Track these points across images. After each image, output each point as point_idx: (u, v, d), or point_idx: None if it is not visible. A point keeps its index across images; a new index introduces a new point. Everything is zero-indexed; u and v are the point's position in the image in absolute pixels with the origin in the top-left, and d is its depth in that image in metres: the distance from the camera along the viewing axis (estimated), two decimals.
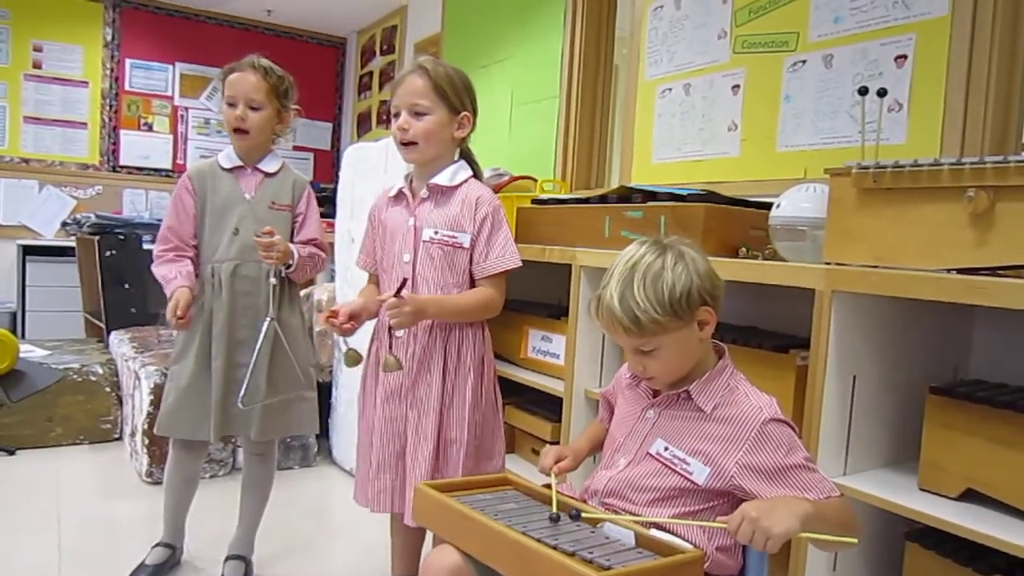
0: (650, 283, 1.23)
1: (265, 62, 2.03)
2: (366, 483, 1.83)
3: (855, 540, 1.08)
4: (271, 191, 2.08)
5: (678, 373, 1.31)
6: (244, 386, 1.96)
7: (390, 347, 1.76)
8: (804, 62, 2.28)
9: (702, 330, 1.28)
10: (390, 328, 1.71)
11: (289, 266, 1.99)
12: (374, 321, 1.90)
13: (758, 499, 1.16)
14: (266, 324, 1.98)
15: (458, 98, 1.77)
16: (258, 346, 1.97)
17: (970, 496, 1.39)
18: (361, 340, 1.90)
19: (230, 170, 2.06)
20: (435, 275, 1.78)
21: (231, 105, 2.00)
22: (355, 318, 1.78)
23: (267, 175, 2.08)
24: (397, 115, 1.77)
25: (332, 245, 3.31)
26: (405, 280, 1.66)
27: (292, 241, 2.06)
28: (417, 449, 1.76)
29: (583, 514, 1.22)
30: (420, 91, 1.74)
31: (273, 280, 1.99)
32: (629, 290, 1.23)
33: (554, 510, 1.25)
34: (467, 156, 1.88)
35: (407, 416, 1.78)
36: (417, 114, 1.75)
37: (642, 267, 1.25)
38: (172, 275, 1.98)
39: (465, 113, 1.79)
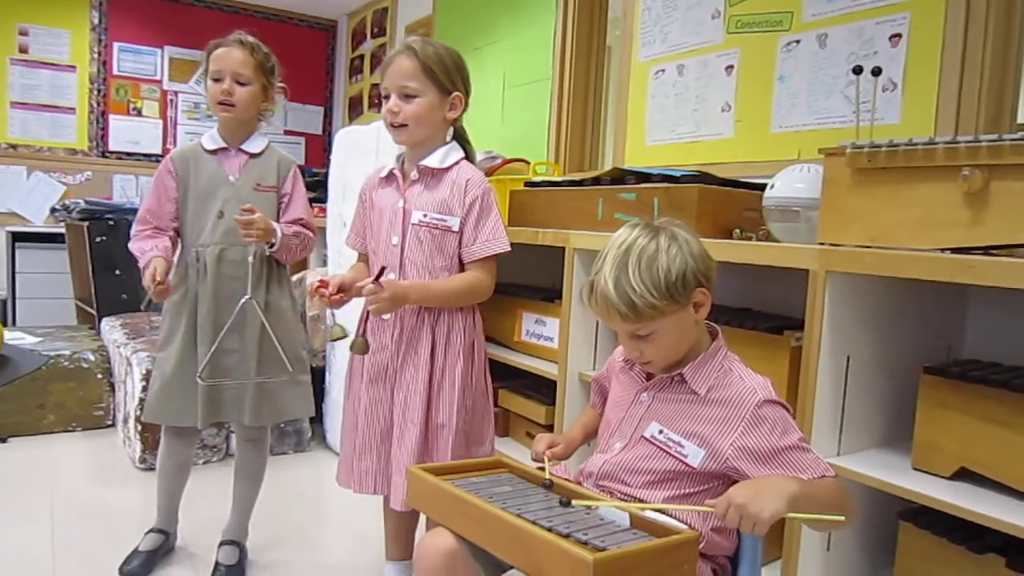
0: (645, 267, 1.21)
1: (251, 38, 2.00)
2: (350, 464, 1.83)
3: (841, 517, 1.08)
4: (256, 172, 2.04)
5: (674, 356, 1.30)
6: (204, 361, 1.94)
7: (364, 330, 1.75)
8: (798, 42, 2.26)
9: (697, 312, 1.27)
10: (369, 312, 1.70)
11: (272, 245, 1.97)
12: (362, 300, 1.88)
13: (744, 482, 1.15)
14: (242, 301, 1.95)
15: (448, 79, 1.74)
16: (229, 322, 1.94)
17: (963, 475, 1.39)
18: (351, 317, 1.89)
19: (214, 152, 2.03)
20: (424, 258, 1.76)
21: (217, 80, 1.96)
22: (345, 291, 1.74)
23: (252, 156, 2.04)
24: (387, 97, 1.75)
25: (324, 229, 3.29)
26: (384, 268, 1.64)
27: (279, 222, 2.04)
28: (403, 433, 1.75)
29: (573, 502, 1.22)
30: (409, 73, 1.71)
31: (251, 259, 1.95)
32: (624, 275, 1.21)
33: (547, 476, 1.25)
34: (460, 136, 1.85)
35: (393, 399, 1.77)
36: (407, 96, 1.72)
37: (636, 251, 1.23)
38: (148, 247, 1.96)
39: (456, 94, 1.77)
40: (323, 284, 1.71)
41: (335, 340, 1.71)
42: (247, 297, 1.94)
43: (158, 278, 1.88)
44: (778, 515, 1.06)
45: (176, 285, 2.00)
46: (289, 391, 2.08)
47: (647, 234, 1.25)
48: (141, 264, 1.95)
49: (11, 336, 3.39)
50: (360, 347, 1.69)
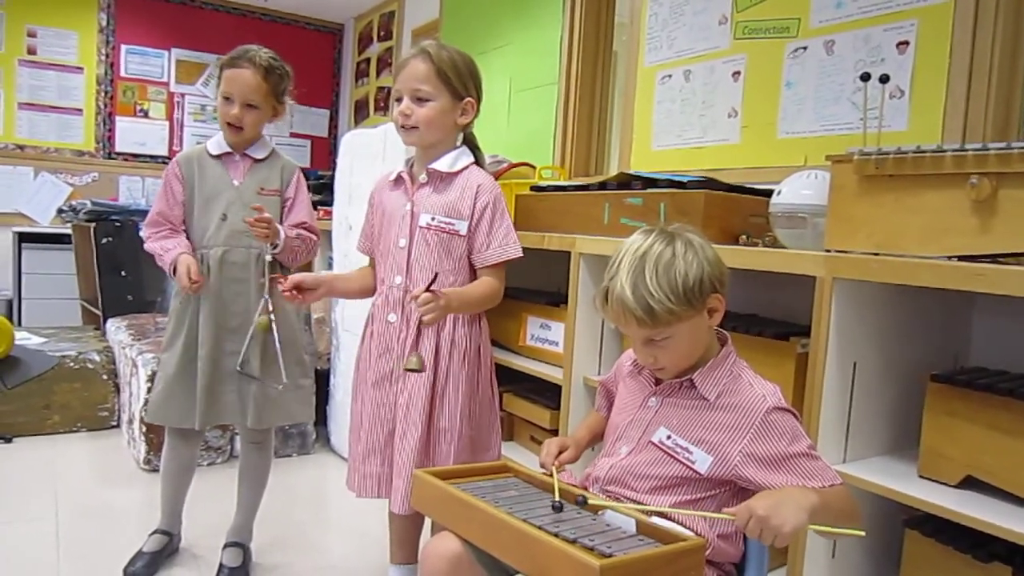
0: (663, 272, 1.21)
1: (265, 57, 1.99)
2: (355, 468, 1.83)
3: (862, 532, 1.08)
4: (260, 176, 2.06)
5: (687, 362, 1.30)
6: (242, 354, 1.97)
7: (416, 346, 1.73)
8: (805, 48, 2.26)
9: (711, 318, 1.27)
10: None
11: (276, 246, 1.97)
12: (368, 303, 1.89)
13: (765, 493, 1.14)
14: (261, 305, 1.96)
15: (462, 83, 1.74)
16: (253, 326, 1.96)
17: (970, 483, 1.39)
18: (357, 320, 1.89)
19: (218, 156, 2.05)
20: (431, 261, 1.76)
21: (227, 99, 1.98)
22: (303, 290, 1.74)
23: (256, 161, 2.06)
24: (399, 100, 1.75)
25: (329, 232, 3.29)
26: (437, 274, 1.61)
27: (282, 225, 2.05)
28: (405, 437, 1.75)
29: (589, 500, 1.22)
30: (422, 76, 1.71)
31: (268, 258, 1.97)
32: (641, 280, 1.21)
33: (556, 498, 1.24)
34: (470, 142, 1.86)
35: (397, 402, 1.78)
36: (419, 100, 1.72)
37: (653, 256, 1.23)
38: (170, 245, 1.97)
39: (468, 99, 1.77)
40: (283, 277, 1.74)
41: (411, 371, 1.68)
42: (265, 299, 1.95)
43: (194, 276, 1.90)
44: (800, 528, 1.06)
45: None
46: (291, 395, 2.09)
47: (663, 240, 1.25)
48: (166, 261, 1.97)
49: (17, 336, 3.39)
50: (416, 363, 1.62)
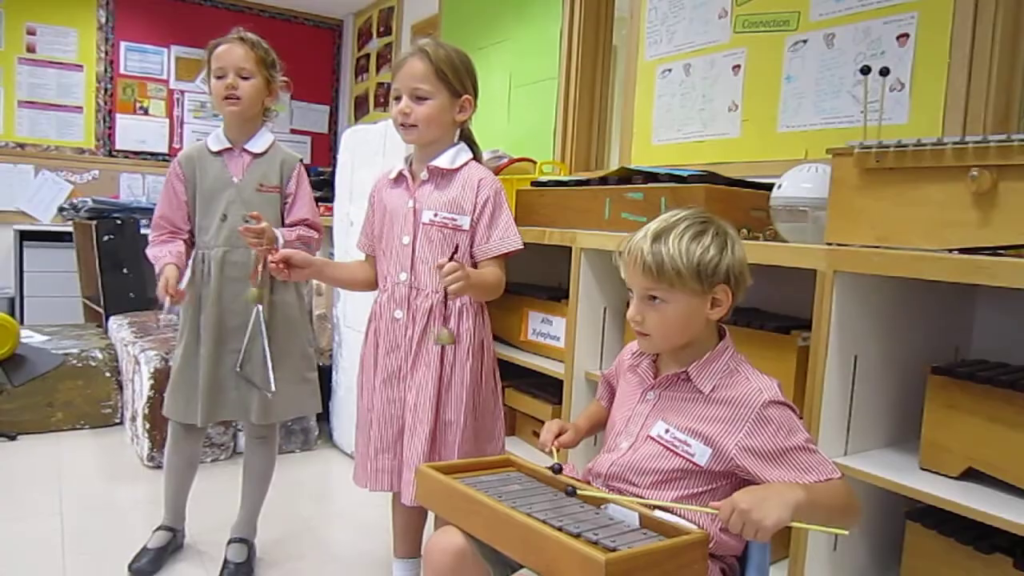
0: (689, 238, 1.25)
1: (251, 35, 2.02)
2: (365, 464, 1.84)
3: (845, 531, 1.09)
4: (259, 173, 2.06)
5: (673, 341, 1.30)
6: (240, 356, 1.97)
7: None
8: (805, 41, 2.26)
9: (712, 309, 1.27)
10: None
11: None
12: (372, 301, 1.89)
13: (749, 488, 1.15)
14: (254, 312, 1.96)
15: (459, 81, 1.75)
16: (250, 329, 1.96)
17: (971, 475, 1.39)
18: (360, 315, 1.89)
19: (219, 153, 2.05)
20: (434, 257, 1.77)
21: (220, 77, 1.98)
22: (289, 264, 1.74)
23: (255, 156, 2.06)
24: (398, 98, 1.76)
25: (331, 229, 3.30)
26: (458, 246, 1.63)
27: (283, 223, 2.05)
28: (415, 431, 1.76)
29: (579, 491, 1.23)
30: (421, 75, 1.72)
31: (261, 268, 1.97)
32: (666, 235, 1.25)
33: (555, 466, 1.27)
34: (467, 138, 1.87)
35: (405, 399, 1.79)
36: (418, 98, 1.73)
37: (685, 223, 1.27)
38: (162, 254, 1.99)
39: (466, 96, 1.78)
40: (273, 249, 1.76)
41: (443, 344, 1.69)
42: (259, 307, 1.95)
43: (170, 291, 1.90)
44: (781, 524, 1.06)
45: (189, 285, 2.02)
46: (296, 388, 2.09)
47: (702, 219, 1.29)
48: (156, 270, 1.97)
49: (21, 335, 3.40)
50: (446, 338, 1.64)
